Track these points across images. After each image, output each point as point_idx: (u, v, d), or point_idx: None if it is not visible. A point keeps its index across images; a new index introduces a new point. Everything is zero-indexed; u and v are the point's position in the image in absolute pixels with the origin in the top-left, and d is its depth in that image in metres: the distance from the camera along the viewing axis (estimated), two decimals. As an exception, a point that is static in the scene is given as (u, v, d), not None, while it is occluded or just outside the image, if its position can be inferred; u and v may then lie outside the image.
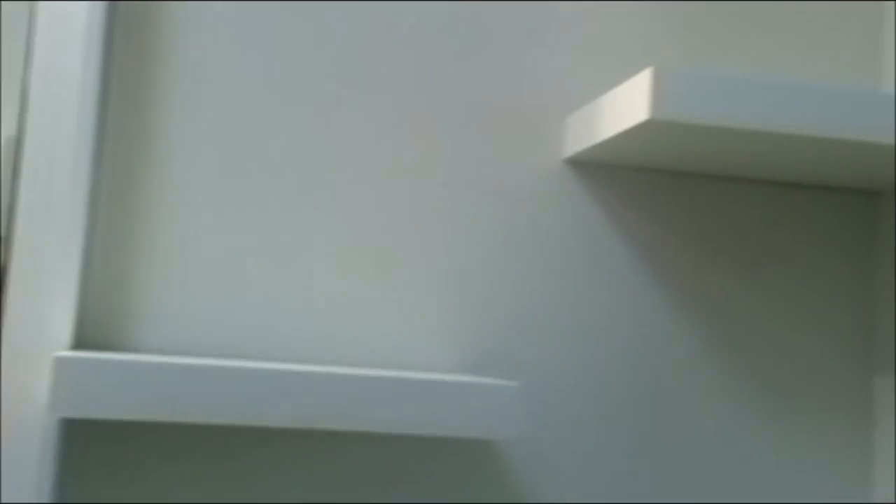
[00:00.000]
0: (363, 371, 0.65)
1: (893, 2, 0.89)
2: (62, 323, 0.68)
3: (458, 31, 0.82)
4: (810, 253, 0.87)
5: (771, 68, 0.88)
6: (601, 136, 0.75)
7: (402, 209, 0.81)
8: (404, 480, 0.79)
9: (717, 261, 0.86)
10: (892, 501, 0.82)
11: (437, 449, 0.79)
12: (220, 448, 0.76)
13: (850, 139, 0.69)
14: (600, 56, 0.85)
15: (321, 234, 0.79)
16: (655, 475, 0.83)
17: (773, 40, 0.88)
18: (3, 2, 0.71)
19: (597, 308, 0.83)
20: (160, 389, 0.61)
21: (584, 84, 0.85)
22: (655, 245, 0.85)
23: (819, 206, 0.88)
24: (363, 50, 0.81)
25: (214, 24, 0.79)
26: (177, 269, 0.77)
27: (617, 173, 0.84)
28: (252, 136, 0.79)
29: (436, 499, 0.79)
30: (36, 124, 0.69)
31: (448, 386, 0.64)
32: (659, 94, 0.67)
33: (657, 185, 0.85)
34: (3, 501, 0.66)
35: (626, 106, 0.71)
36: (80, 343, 0.75)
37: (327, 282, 0.79)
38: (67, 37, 0.70)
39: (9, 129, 0.72)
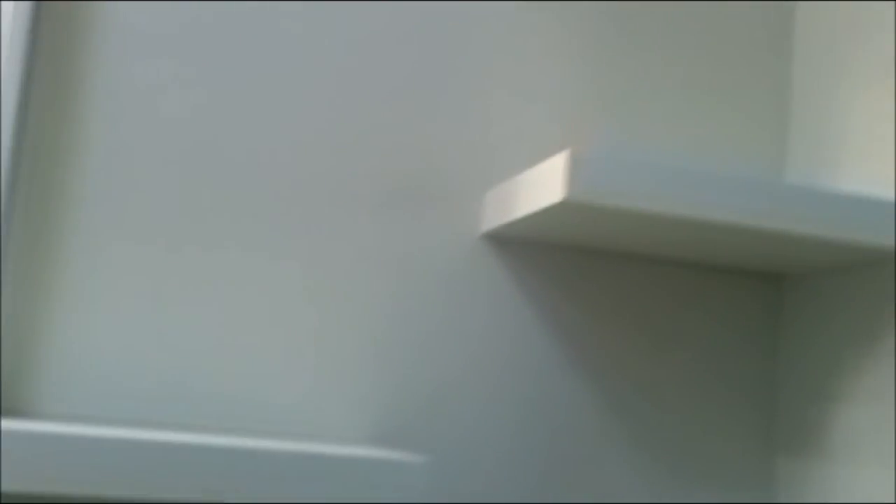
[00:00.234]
0: (265, 444, 0.63)
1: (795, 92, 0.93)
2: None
3: (379, 106, 0.83)
4: (718, 333, 0.89)
5: (684, 152, 0.90)
6: (517, 213, 0.76)
7: (319, 280, 0.80)
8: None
9: (629, 339, 0.87)
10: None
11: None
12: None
13: (753, 226, 0.71)
14: (520, 133, 0.86)
15: (236, 301, 0.78)
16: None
17: (687, 126, 0.91)
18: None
19: (510, 383, 0.83)
20: (48, 462, 0.59)
21: (504, 160, 0.86)
22: (570, 322, 0.85)
23: (727, 288, 0.90)
24: (286, 119, 0.81)
25: (129, 85, 0.78)
26: (82, 333, 0.74)
27: (533, 249, 0.85)
28: (165, 197, 0.77)
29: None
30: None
31: (352, 461, 0.63)
32: (574, 176, 0.69)
33: (573, 263, 0.86)
34: None
35: (543, 186, 0.72)
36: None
37: (241, 349, 0.78)
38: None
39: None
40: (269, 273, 0.79)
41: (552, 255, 0.86)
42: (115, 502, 0.71)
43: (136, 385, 0.75)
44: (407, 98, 0.84)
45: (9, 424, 0.60)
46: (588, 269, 0.87)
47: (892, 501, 0.74)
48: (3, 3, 0.69)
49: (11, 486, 0.58)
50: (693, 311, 0.89)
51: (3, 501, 0.70)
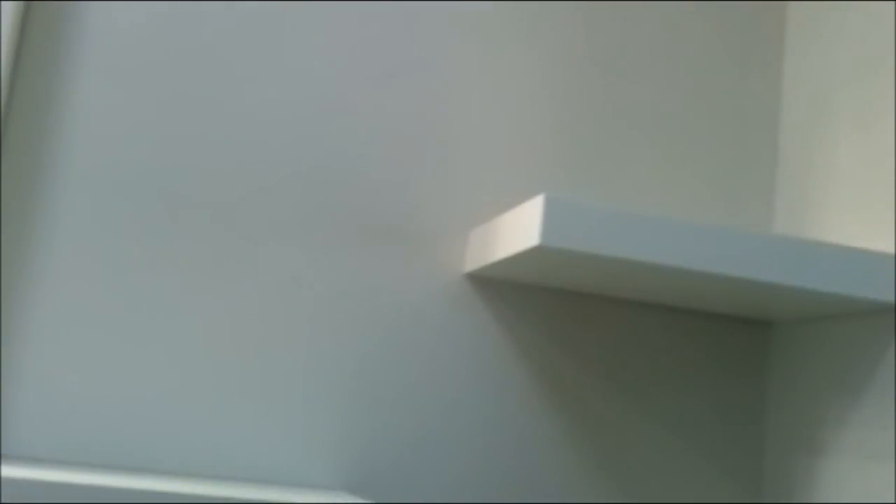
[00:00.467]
0: (222, 492, 0.63)
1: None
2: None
3: (362, 146, 0.83)
4: (702, 379, 0.88)
5: (670, 203, 0.90)
6: (497, 255, 0.76)
7: (298, 320, 0.80)
8: None
9: (615, 385, 0.86)
10: None
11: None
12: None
13: (722, 274, 0.71)
14: (504, 173, 0.86)
15: (210, 342, 0.78)
16: None
17: (675, 177, 0.90)
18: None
19: (491, 427, 0.82)
20: None
21: (488, 199, 0.85)
22: (554, 366, 0.85)
23: (714, 334, 0.89)
24: (269, 157, 0.81)
25: (100, 110, 0.78)
26: (44, 376, 0.74)
27: (515, 290, 0.85)
28: (138, 231, 0.77)
29: None
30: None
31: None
32: (549, 221, 0.68)
33: (557, 305, 0.86)
34: None
35: (519, 230, 0.72)
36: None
37: (213, 392, 0.77)
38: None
39: None
40: (246, 313, 0.79)
41: (536, 296, 0.85)
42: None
43: (104, 429, 0.75)
44: (391, 137, 0.84)
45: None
46: (573, 312, 0.86)
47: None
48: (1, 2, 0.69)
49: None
50: (680, 357, 0.88)
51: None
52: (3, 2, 0.70)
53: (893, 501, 0.72)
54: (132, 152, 0.78)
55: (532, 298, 0.85)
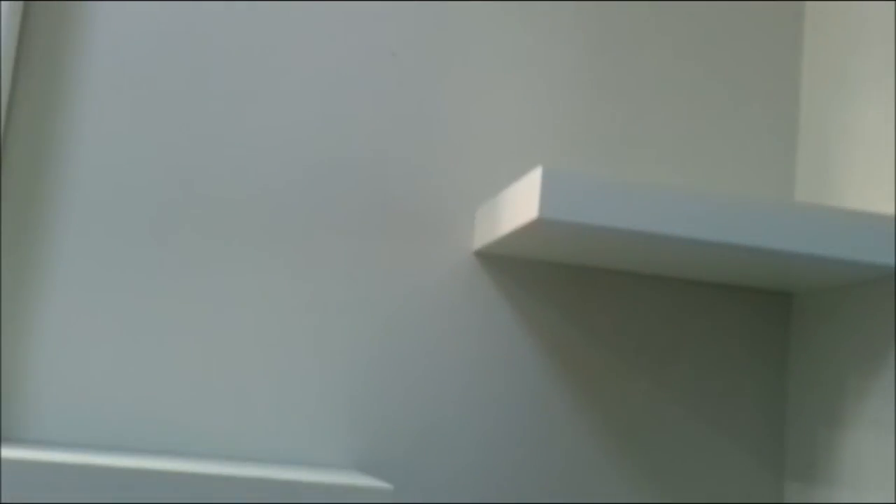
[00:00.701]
0: (228, 469, 0.63)
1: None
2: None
3: (368, 127, 0.82)
4: (723, 353, 0.86)
5: (690, 172, 0.88)
6: (501, 231, 0.75)
7: (309, 302, 0.80)
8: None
9: (630, 360, 0.84)
10: None
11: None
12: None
13: (739, 244, 0.69)
14: (512, 148, 0.84)
15: (222, 325, 0.78)
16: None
17: (694, 146, 0.88)
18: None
19: (505, 405, 0.81)
20: (21, 487, 0.59)
21: (497, 175, 0.84)
22: (566, 343, 0.83)
23: (733, 306, 0.86)
24: (274, 141, 0.81)
25: (101, 113, 0.78)
26: (61, 359, 0.75)
27: (524, 267, 0.83)
28: (149, 220, 0.78)
29: None
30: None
31: (316, 487, 0.62)
32: (548, 193, 0.67)
33: (566, 280, 0.84)
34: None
35: (519, 203, 0.71)
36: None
37: (226, 374, 0.77)
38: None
39: None
40: (256, 297, 0.79)
41: (546, 273, 0.84)
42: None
43: (116, 412, 0.75)
44: (395, 118, 0.83)
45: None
46: (586, 288, 0.84)
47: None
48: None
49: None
50: (697, 330, 0.86)
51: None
52: (3, 1, 0.70)
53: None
54: (143, 143, 0.78)
55: (542, 275, 0.84)
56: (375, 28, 0.83)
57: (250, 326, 0.78)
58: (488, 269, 0.83)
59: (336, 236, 0.81)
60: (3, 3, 0.70)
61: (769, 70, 0.90)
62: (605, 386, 0.83)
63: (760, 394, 0.86)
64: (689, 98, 0.88)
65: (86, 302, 0.76)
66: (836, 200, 0.82)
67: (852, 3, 0.84)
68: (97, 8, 0.78)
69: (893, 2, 0.78)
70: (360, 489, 0.63)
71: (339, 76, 0.82)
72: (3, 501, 0.59)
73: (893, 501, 0.71)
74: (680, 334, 0.85)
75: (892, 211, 0.75)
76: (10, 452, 0.61)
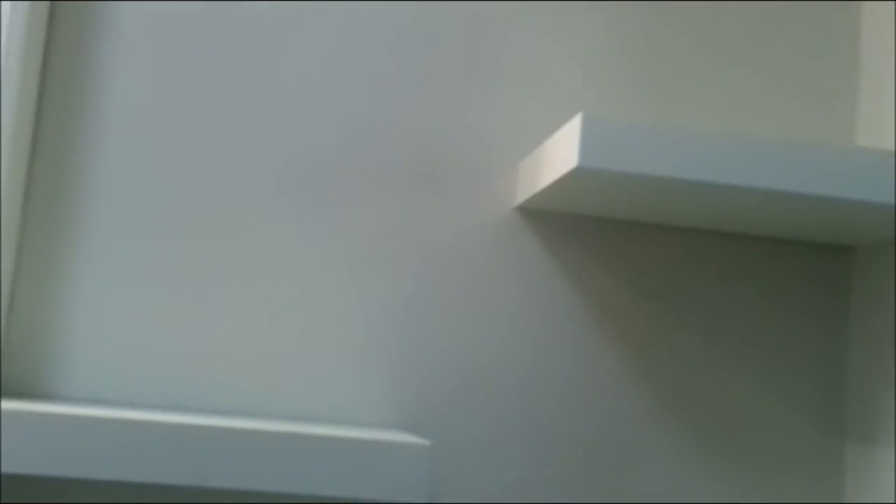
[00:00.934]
0: (260, 425, 0.62)
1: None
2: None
3: (405, 81, 0.80)
4: (776, 311, 0.82)
5: (745, 118, 0.84)
6: (542, 183, 0.72)
7: (347, 257, 0.78)
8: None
9: (676, 316, 0.81)
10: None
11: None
12: None
13: (795, 192, 0.65)
14: (554, 100, 0.82)
15: (258, 283, 0.77)
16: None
17: (751, 91, 0.84)
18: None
19: (548, 364, 0.79)
20: (56, 443, 0.59)
21: (540, 127, 0.82)
22: (613, 300, 0.81)
23: (787, 261, 0.83)
24: (309, 98, 0.79)
25: (132, 83, 0.78)
26: (100, 316, 0.75)
27: (568, 221, 0.81)
28: (183, 181, 0.77)
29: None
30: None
31: (349, 443, 0.60)
32: (588, 141, 0.64)
33: (613, 235, 0.81)
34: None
35: (560, 153, 0.68)
36: None
37: (261, 330, 0.77)
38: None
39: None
40: (295, 254, 0.78)
41: (591, 228, 0.81)
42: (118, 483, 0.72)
43: (154, 369, 0.75)
44: (435, 69, 0.81)
45: (13, 406, 0.61)
46: (633, 243, 0.81)
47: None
48: (15, 2, 0.69)
49: (13, 467, 0.58)
50: (750, 288, 0.82)
51: (4, 483, 0.72)
52: (26, 1, 0.70)
53: None
54: (177, 103, 0.77)
55: (587, 230, 0.81)
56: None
57: (288, 284, 0.77)
58: (531, 223, 0.81)
59: (376, 193, 0.79)
60: (24, 2, 0.70)
61: (827, 9, 0.85)
62: (651, 344, 0.80)
63: (819, 353, 0.82)
64: (741, 41, 0.84)
65: (121, 262, 0.76)
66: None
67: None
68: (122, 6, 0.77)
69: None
70: (398, 444, 0.61)
71: (375, 32, 0.80)
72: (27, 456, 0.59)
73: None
74: (732, 292, 0.82)
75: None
76: (37, 407, 0.61)
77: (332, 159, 0.79)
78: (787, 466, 0.80)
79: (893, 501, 0.74)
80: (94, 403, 0.70)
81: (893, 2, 0.81)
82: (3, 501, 0.72)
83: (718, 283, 0.82)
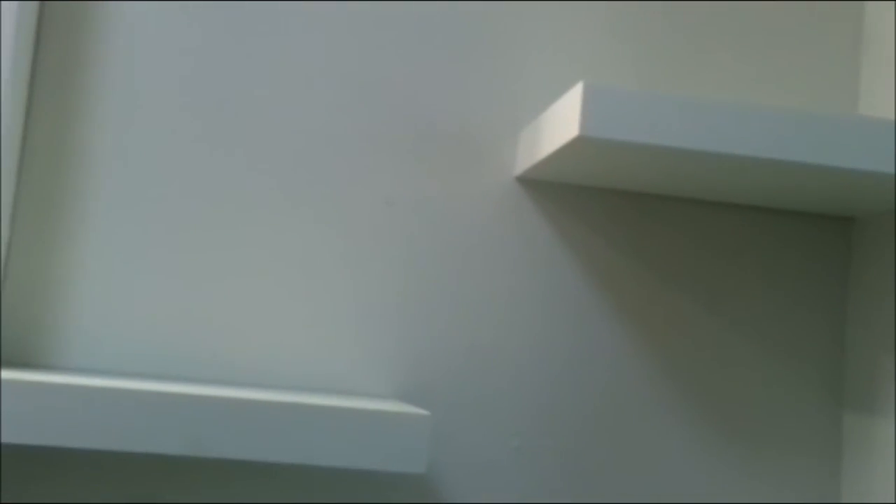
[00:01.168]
0: (260, 395, 0.62)
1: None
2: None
3: (405, 50, 0.80)
4: (776, 282, 0.82)
5: (748, 85, 0.83)
6: (542, 153, 0.72)
7: (346, 227, 0.78)
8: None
9: (676, 287, 0.81)
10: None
11: (356, 480, 0.76)
12: (117, 475, 0.74)
13: (796, 161, 0.65)
14: (554, 69, 0.81)
15: (259, 254, 0.77)
16: (603, 512, 0.78)
17: (754, 59, 0.83)
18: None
19: (548, 335, 0.79)
20: (57, 413, 0.59)
21: (542, 98, 0.81)
22: (614, 271, 0.80)
23: (787, 231, 0.83)
24: (308, 70, 0.78)
25: (143, 34, 0.77)
26: (97, 286, 0.75)
27: (568, 192, 0.80)
28: (181, 149, 0.76)
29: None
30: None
31: (348, 413, 0.60)
32: (589, 110, 0.64)
33: (613, 205, 0.81)
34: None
35: (560, 122, 0.67)
36: None
37: (260, 301, 0.76)
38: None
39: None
40: (294, 225, 0.77)
41: (592, 198, 0.81)
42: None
43: (154, 339, 0.75)
44: (434, 38, 0.80)
45: (9, 375, 0.61)
46: (634, 214, 0.81)
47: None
48: (7, 2, 0.69)
49: (10, 437, 0.58)
50: (751, 258, 0.82)
51: (4, 453, 0.72)
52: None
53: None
54: (185, 77, 0.76)
55: (588, 201, 0.81)
56: (411, -55, 0.80)
57: (287, 254, 0.77)
58: (531, 194, 0.80)
59: (375, 163, 0.79)
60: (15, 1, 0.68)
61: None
62: (651, 314, 0.80)
63: (819, 322, 0.82)
64: (743, 10, 0.83)
65: (119, 232, 0.75)
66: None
67: None
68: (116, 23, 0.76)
69: None
70: (397, 415, 0.61)
71: (374, 1, 0.79)
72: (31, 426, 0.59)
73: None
74: (732, 262, 0.82)
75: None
76: (38, 377, 0.60)
77: (330, 130, 0.78)
78: (785, 436, 0.81)
79: (891, 471, 0.74)
80: (90, 373, 0.70)
81: (897, -31, 0.80)
82: None
83: (718, 254, 0.82)
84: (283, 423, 0.60)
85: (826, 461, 0.81)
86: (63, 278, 0.74)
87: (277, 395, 0.65)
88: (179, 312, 0.75)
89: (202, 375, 0.75)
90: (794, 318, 0.82)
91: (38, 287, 0.74)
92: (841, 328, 0.82)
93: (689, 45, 0.83)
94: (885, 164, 0.65)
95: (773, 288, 0.82)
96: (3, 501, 0.72)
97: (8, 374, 0.60)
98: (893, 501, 0.74)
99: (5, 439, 0.57)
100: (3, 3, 0.69)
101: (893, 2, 0.80)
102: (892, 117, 0.78)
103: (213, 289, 0.76)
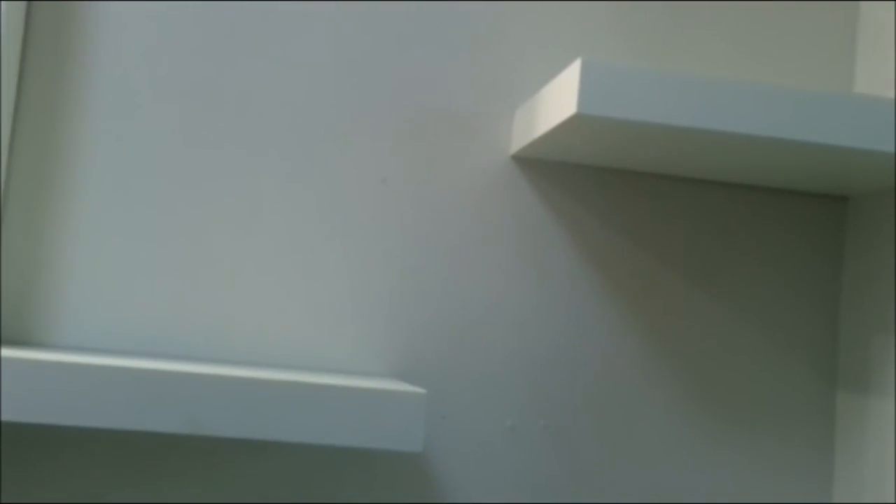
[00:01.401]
0: (257, 374, 0.62)
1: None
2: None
3: (399, 28, 0.79)
4: (770, 261, 0.82)
5: (743, 64, 0.83)
6: (539, 131, 0.71)
7: (341, 206, 0.77)
8: (314, 490, 0.75)
9: (673, 267, 0.81)
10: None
11: (352, 458, 0.76)
12: (113, 453, 0.74)
13: (792, 140, 0.65)
14: (550, 47, 0.81)
15: (253, 232, 0.76)
16: (600, 496, 0.78)
17: (748, 37, 0.83)
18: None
19: (543, 314, 0.79)
20: (48, 391, 0.58)
21: (538, 76, 0.80)
22: (609, 250, 0.80)
23: (782, 210, 0.82)
24: (301, 48, 0.78)
25: (126, 26, 0.76)
26: (92, 264, 0.74)
27: (564, 171, 0.80)
28: (174, 126, 0.76)
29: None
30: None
31: (344, 392, 0.60)
32: (588, 87, 0.63)
33: (610, 184, 0.81)
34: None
35: (558, 100, 0.67)
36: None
37: (255, 280, 0.76)
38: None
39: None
40: (288, 203, 0.77)
41: (588, 177, 0.80)
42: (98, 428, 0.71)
43: (149, 318, 0.75)
44: (429, 16, 0.79)
45: (6, 353, 0.60)
46: (628, 192, 0.81)
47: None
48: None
49: (7, 415, 0.58)
50: (746, 237, 0.82)
51: (3, 431, 0.71)
52: None
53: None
54: (173, 51, 0.76)
55: (584, 179, 0.80)
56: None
57: (283, 233, 0.76)
58: (526, 173, 0.80)
59: (370, 142, 0.78)
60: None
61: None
62: (645, 293, 0.80)
63: (813, 302, 0.82)
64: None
65: (114, 210, 0.74)
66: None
67: None
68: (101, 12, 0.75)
69: None
70: (393, 393, 0.61)
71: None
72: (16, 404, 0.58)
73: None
74: (728, 241, 0.82)
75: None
76: (32, 355, 0.60)
77: (325, 110, 0.78)
78: (779, 414, 0.81)
79: (884, 451, 0.75)
80: (86, 352, 0.70)
81: (894, -52, 0.80)
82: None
83: (713, 233, 0.82)
84: (279, 402, 0.60)
85: (819, 442, 0.81)
86: (57, 257, 0.74)
87: (273, 373, 0.64)
88: (174, 292, 0.75)
89: (196, 354, 0.75)
90: (787, 298, 0.82)
91: (32, 265, 0.73)
92: (835, 308, 0.82)
93: (685, 23, 0.82)
94: (881, 143, 0.65)
95: (768, 267, 0.82)
96: (-4, 480, 0.71)
97: (3, 352, 0.60)
98: (886, 483, 0.74)
99: (14, 417, 0.57)
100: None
101: (890, -20, 0.80)
102: (888, 95, 0.78)
103: (208, 268, 0.75)
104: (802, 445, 0.81)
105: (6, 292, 0.73)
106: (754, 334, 0.81)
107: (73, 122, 0.74)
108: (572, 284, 0.79)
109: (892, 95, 0.78)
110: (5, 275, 0.73)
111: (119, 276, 0.74)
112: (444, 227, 0.78)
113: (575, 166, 0.80)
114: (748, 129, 0.64)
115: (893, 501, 0.73)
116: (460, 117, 0.79)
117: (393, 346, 0.77)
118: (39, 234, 0.74)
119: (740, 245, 0.82)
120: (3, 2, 0.68)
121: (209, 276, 0.75)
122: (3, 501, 0.71)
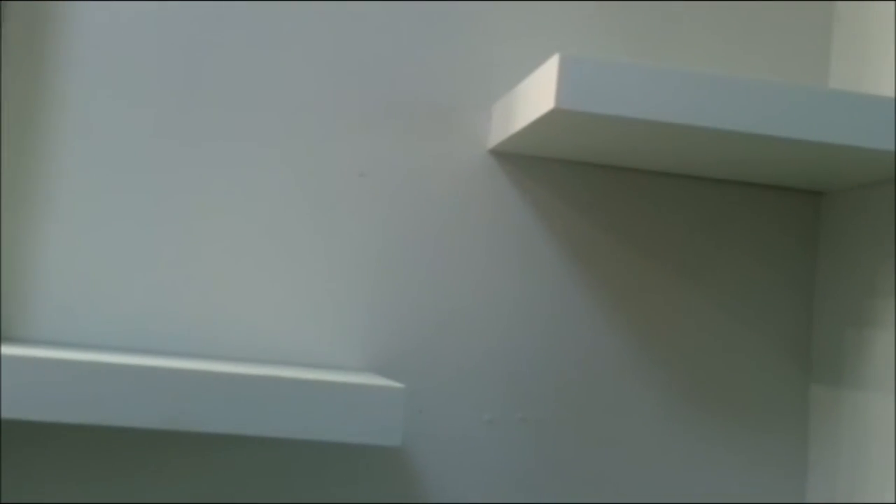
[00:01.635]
0: (235, 369, 0.61)
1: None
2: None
3: (378, 20, 0.79)
4: (746, 254, 0.83)
5: (717, 58, 0.83)
6: (517, 126, 0.71)
7: (319, 199, 0.77)
8: (294, 484, 0.75)
9: (650, 260, 0.81)
10: (825, 518, 0.78)
11: (331, 453, 0.76)
12: (98, 450, 0.73)
13: (766, 135, 0.65)
14: (529, 41, 0.81)
15: (231, 225, 0.76)
16: (578, 489, 0.79)
17: (723, 30, 0.84)
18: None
19: (522, 308, 0.79)
20: (39, 388, 0.58)
21: (517, 70, 0.80)
22: (586, 244, 0.80)
23: (758, 205, 0.83)
24: (280, 39, 0.77)
25: (109, 20, 0.75)
26: (72, 259, 0.73)
27: (542, 165, 0.80)
28: (158, 119, 0.75)
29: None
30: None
31: (322, 386, 0.60)
32: (566, 82, 0.63)
33: (587, 179, 0.81)
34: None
35: (536, 94, 0.67)
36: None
37: (233, 273, 0.76)
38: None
39: None
40: (265, 195, 0.76)
41: (566, 172, 0.81)
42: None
43: (128, 312, 0.74)
44: (407, 9, 0.79)
45: (7, 351, 0.60)
46: (608, 187, 0.81)
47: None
48: None
49: (8, 412, 0.57)
50: (723, 231, 0.82)
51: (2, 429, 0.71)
52: None
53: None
54: (153, 40, 0.75)
55: (562, 174, 0.80)
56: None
57: (260, 226, 0.76)
58: (504, 167, 0.80)
59: (348, 135, 0.78)
60: None
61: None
62: (625, 286, 0.81)
63: (787, 294, 0.83)
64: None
65: (95, 203, 0.74)
66: (872, 88, 0.78)
67: None
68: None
69: None
70: (372, 387, 0.61)
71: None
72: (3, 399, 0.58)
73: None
74: (705, 235, 0.82)
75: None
76: (13, 350, 0.59)
77: (303, 102, 0.77)
78: (754, 404, 0.82)
79: (857, 440, 0.76)
80: (66, 347, 0.69)
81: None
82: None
83: (690, 226, 0.82)
84: (257, 397, 0.59)
85: (793, 430, 0.82)
86: (35, 252, 0.73)
87: (251, 368, 0.64)
88: (152, 286, 0.74)
89: (175, 349, 0.74)
90: (763, 290, 0.83)
91: (13, 258, 0.73)
92: (809, 300, 0.83)
93: (663, 19, 0.83)
94: (855, 139, 0.66)
95: (744, 260, 0.83)
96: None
97: (6, 350, 0.59)
98: (859, 473, 0.75)
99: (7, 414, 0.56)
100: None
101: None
102: (863, 91, 0.79)
103: (186, 262, 0.75)
104: (777, 434, 0.82)
105: (-21, 287, 0.72)
106: (730, 325, 0.82)
107: (62, 119, 0.74)
108: (550, 278, 0.80)
109: (867, 91, 0.79)
110: (-22, 269, 0.72)
111: (91, 271, 0.74)
112: (421, 221, 0.78)
113: (553, 161, 0.80)
114: (726, 124, 0.64)
115: (867, 492, 0.74)
116: (438, 111, 0.79)
117: (371, 341, 0.77)
118: (28, 231, 0.73)
119: (716, 238, 0.82)
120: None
121: (185, 270, 0.75)
122: (3, 501, 0.71)
